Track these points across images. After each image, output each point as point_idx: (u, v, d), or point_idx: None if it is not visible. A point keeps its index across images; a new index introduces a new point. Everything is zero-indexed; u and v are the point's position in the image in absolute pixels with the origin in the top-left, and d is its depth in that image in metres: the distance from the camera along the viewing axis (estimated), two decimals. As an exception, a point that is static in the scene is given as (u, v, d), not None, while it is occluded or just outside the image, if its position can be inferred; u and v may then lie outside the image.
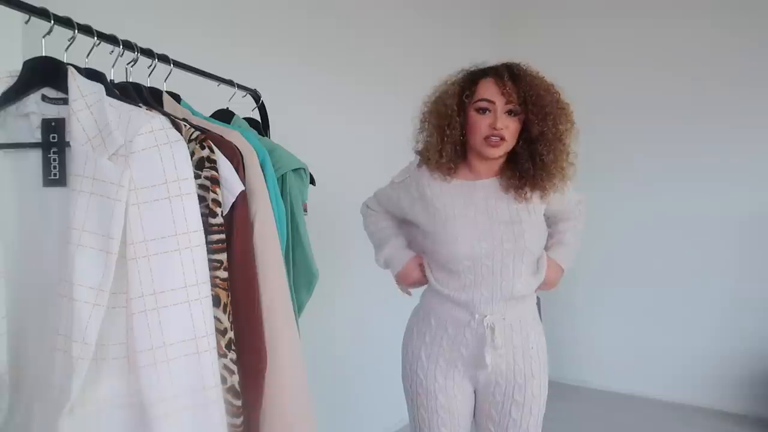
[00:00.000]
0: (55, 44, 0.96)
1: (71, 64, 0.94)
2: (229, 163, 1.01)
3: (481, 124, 1.37)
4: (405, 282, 1.56)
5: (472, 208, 1.42)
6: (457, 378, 1.45)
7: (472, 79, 1.42)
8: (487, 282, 1.40)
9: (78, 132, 0.87)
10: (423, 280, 1.52)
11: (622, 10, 3.58)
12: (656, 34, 3.48)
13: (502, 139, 1.37)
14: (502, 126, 1.35)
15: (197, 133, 0.99)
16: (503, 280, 1.40)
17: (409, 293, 1.60)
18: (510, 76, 1.36)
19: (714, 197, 3.33)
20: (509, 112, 1.37)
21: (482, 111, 1.37)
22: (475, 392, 1.49)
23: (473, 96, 1.39)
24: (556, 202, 1.49)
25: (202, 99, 1.39)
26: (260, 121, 1.63)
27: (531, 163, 1.40)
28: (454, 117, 1.40)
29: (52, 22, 0.95)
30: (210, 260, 0.93)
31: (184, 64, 1.30)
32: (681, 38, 3.40)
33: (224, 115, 1.45)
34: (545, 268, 1.47)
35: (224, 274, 0.97)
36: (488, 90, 1.37)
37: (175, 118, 1.03)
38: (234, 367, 0.97)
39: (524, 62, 1.41)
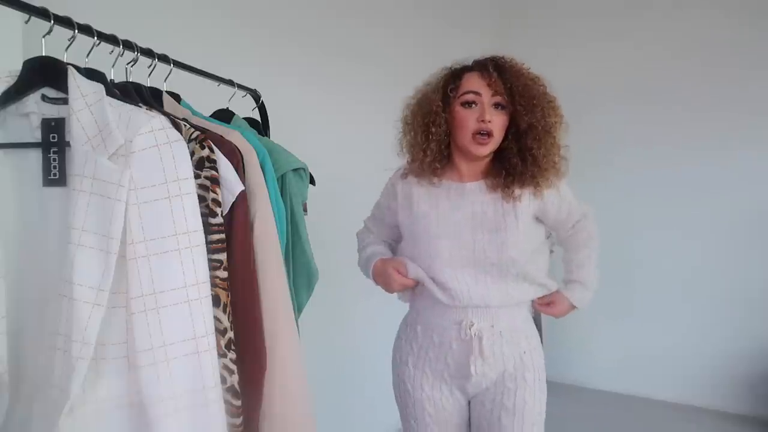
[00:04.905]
0: (55, 44, 0.95)
1: (71, 64, 0.94)
2: (229, 163, 1.01)
3: (468, 119, 1.33)
4: (386, 285, 1.47)
5: (458, 212, 1.38)
6: (445, 389, 1.41)
7: (455, 74, 1.39)
8: (473, 290, 1.35)
9: (78, 132, 0.87)
10: (407, 282, 1.43)
11: (624, 6, 3.58)
12: (658, 31, 3.48)
13: (490, 135, 1.32)
14: (490, 118, 1.31)
15: (197, 133, 0.99)
16: (489, 289, 1.35)
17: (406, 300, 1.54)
18: (495, 67, 1.34)
19: (714, 196, 3.33)
20: (496, 105, 1.33)
21: (468, 105, 1.34)
22: (469, 403, 1.44)
23: (458, 90, 1.36)
24: (554, 208, 1.41)
25: (202, 99, 1.39)
26: (260, 121, 1.63)
27: (519, 158, 1.34)
28: (440, 114, 1.36)
29: (52, 22, 0.95)
30: (210, 260, 0.94)
31: (184, 64, 1.30)
32: (682, 37, 3.40)
33: (224, 115, 1.45)
34: (554, 295, 1.46)
35: (224, 274, 0.97)
36: (473, 82, 1.34)
37: (175, 118, 1.03)
38: (234, 367, 0.97)
39: (508, 55, 1.38)
